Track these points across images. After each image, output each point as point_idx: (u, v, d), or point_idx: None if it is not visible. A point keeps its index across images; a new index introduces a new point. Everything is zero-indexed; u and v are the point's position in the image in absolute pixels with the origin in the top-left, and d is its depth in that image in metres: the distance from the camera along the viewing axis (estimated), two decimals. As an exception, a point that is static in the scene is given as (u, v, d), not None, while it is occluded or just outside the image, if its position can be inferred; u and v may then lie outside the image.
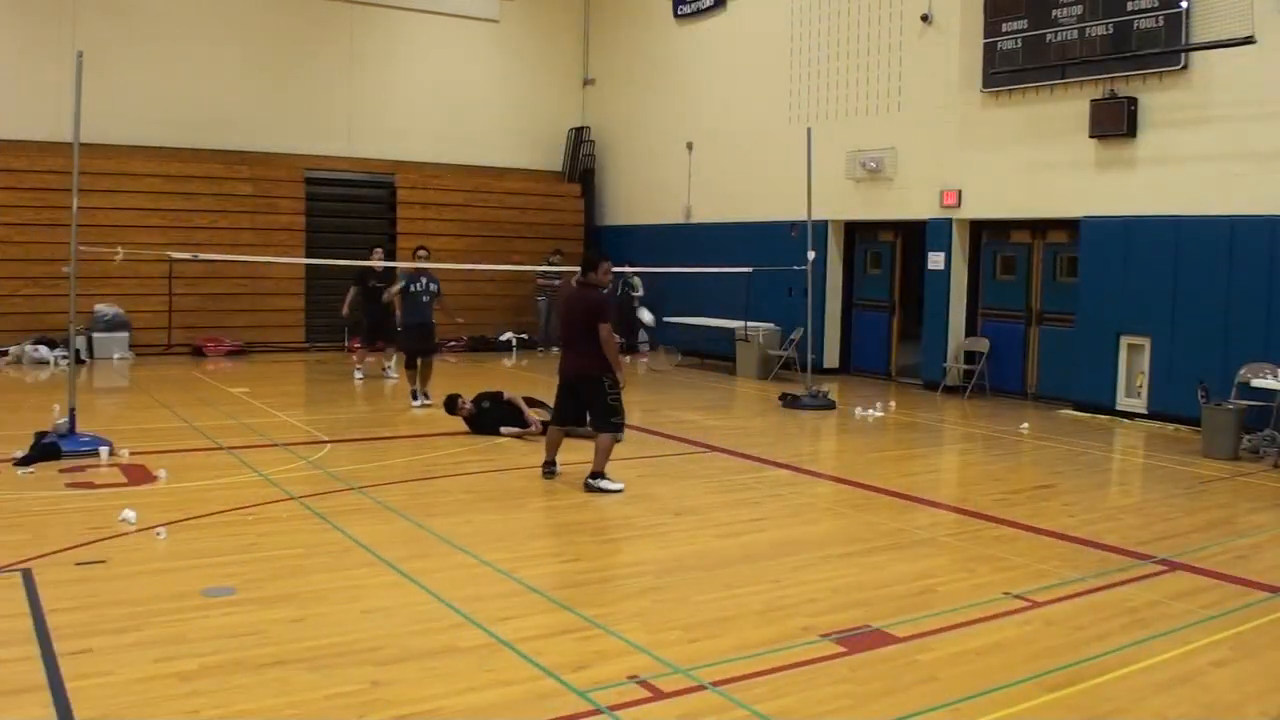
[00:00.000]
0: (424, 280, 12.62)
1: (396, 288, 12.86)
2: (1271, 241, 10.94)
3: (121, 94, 16.98)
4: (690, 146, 19.18)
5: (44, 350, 15.52)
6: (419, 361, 12.41)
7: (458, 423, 10.96)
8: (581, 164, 21.75)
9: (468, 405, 10.75)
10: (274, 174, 18.31)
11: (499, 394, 10.85)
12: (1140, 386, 12.31)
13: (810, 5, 16.58)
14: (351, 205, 19.45)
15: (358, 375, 14.47)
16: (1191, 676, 4.59)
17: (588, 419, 8.27)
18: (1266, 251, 10.97)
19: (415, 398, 12.25)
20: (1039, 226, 13.98)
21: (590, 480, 8.04)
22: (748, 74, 17.85)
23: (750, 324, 16.39)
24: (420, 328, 12.57)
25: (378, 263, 14.30)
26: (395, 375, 14.28)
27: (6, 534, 6.37)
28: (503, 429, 10.45)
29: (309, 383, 15.23)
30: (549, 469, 8.45)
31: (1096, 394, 12.65)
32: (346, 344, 17.04)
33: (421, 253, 13.57)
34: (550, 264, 18.93)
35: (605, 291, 8.21)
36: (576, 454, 8.81)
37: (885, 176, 15.40)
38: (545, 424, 10.47)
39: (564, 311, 8.36)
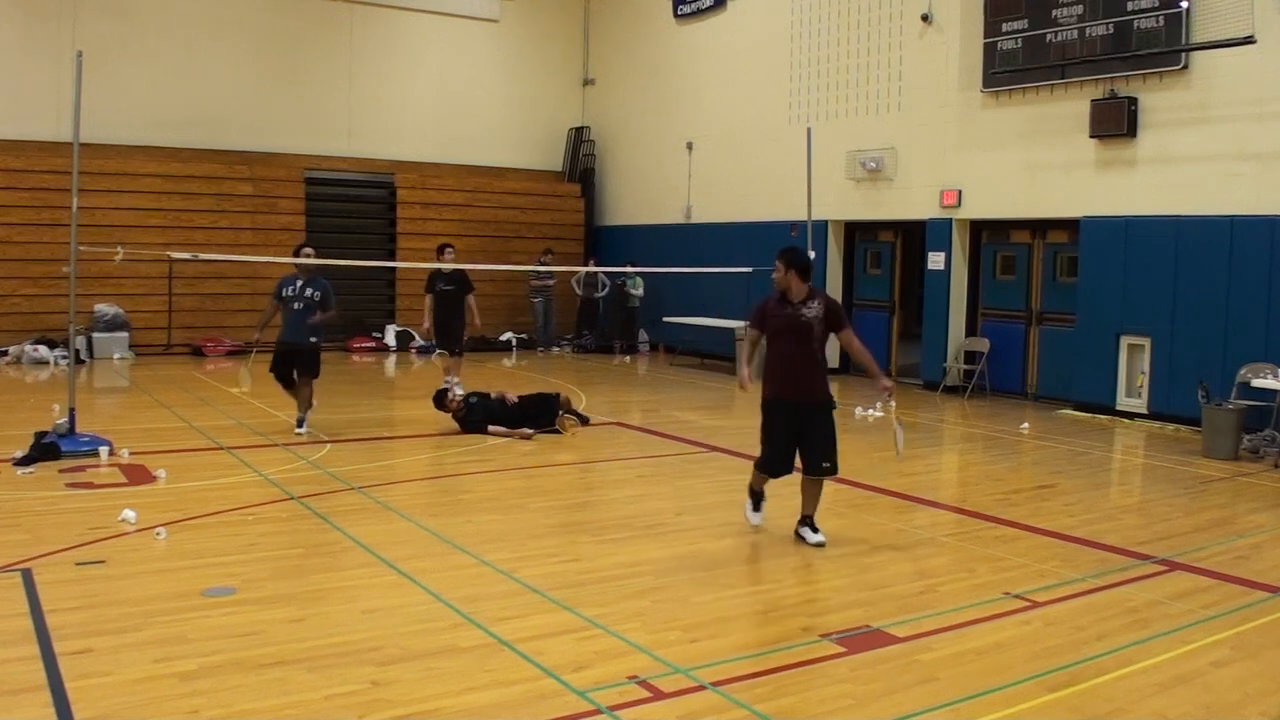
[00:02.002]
0: (297, 285, 10.12)
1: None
2: (1271, 241, 10.93)
3: (121, 94, 16.98)
4: (690, 146, 19.19)
5: (44, 350, 15.52)
6: (296, 382, 10.19)
7: (457, 423, 10.96)
8: (581, 164, 21.76)
9: (457, 401, 10.75)
10: (274, 174, 18.32)
11: (487, 393, 10.85)
12: (1140, 386, 12.31)
13: (810, 5, 16.58)
14: (351, 205, 19.46)
15: (457, 390, 12.12)
16: (1191, 676, 4.58)
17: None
18: (1266, 251, 10.96)
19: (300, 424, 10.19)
20: (1039, 226, 13.98)
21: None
22: (748, 74, 17.84)
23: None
24: (283, 343, 10.17)
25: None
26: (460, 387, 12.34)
27: (6, 534, 6.37)
28: (491, 428, 10.42)
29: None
30: (806, 527, 6.70)
31: (1096, 394, 12.65)
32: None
33: (449, 252, 12.67)
34: (542, 263, 18.93)
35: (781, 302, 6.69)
36: (571, 453, 8.78)
37: (885, 176, 15.40)
38: (540, 429, 10.52)
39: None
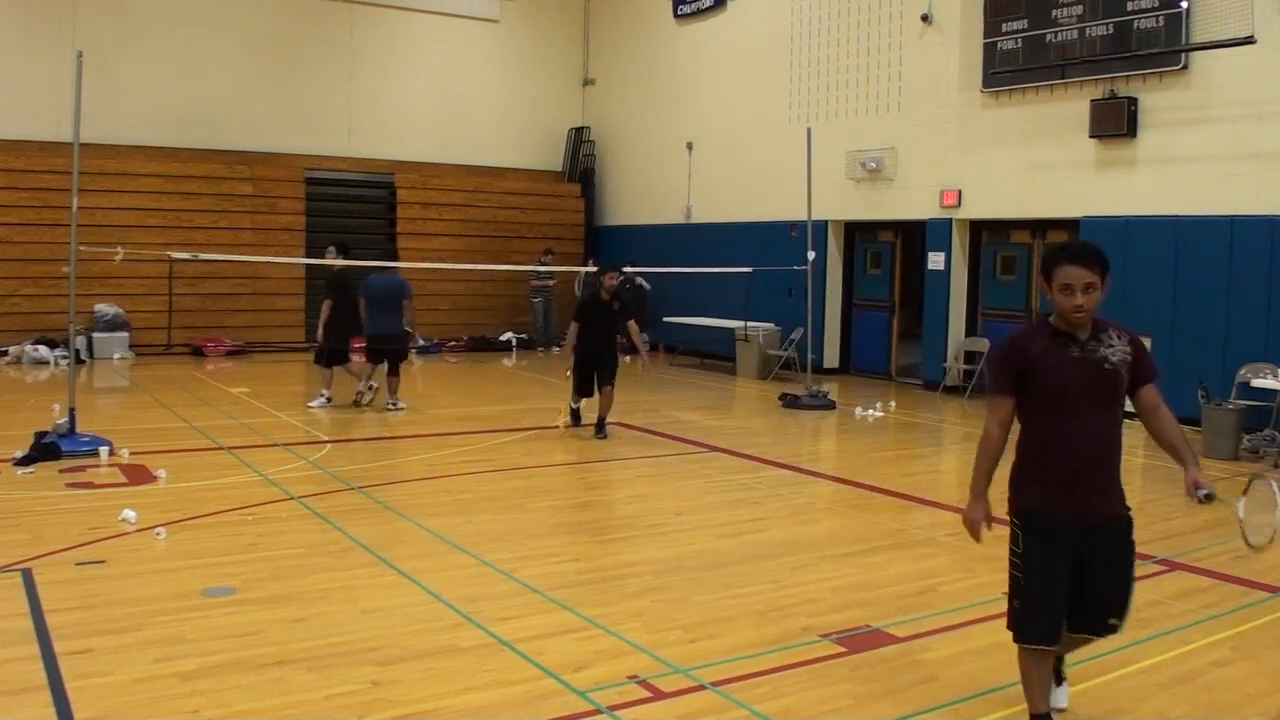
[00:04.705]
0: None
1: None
2: (1271, 241, 10.93)
3: (121, 94, 16.98)
4: (690, 146, 19.18)
5: (44, 350, 15.52)
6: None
7: (458, 423, 10.99)
8: (581, 164, 21.75)
9: (614, 279, 10.57)
10: (274, 174, 18.31)
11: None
12: (1140, 386, 12.29)
13: (810, 5, 16.58)
14: (351, 205, 19.45)
15: (364, 398, 12.03)
16: (1191, 676, 4.58)
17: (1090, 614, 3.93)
18: (1266, 251, 10.96)
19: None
20: (1039, 226, 13.98)
21: None
22: (748, 74, 17.84)
23: (750, 324, 16.40)
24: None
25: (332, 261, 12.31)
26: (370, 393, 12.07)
27: (6, 534, 6.37)
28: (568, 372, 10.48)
29: (309, 383, 15.19)
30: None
31: (1096, 394, 12.62)
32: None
33: (330, 251, 12.22)
34: (542, 263, 18.92)
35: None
36: (571, 453, 8.71)
37: (885, 176, 15.40)
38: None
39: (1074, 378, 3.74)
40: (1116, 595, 3.88)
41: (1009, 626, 3.97)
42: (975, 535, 3.87)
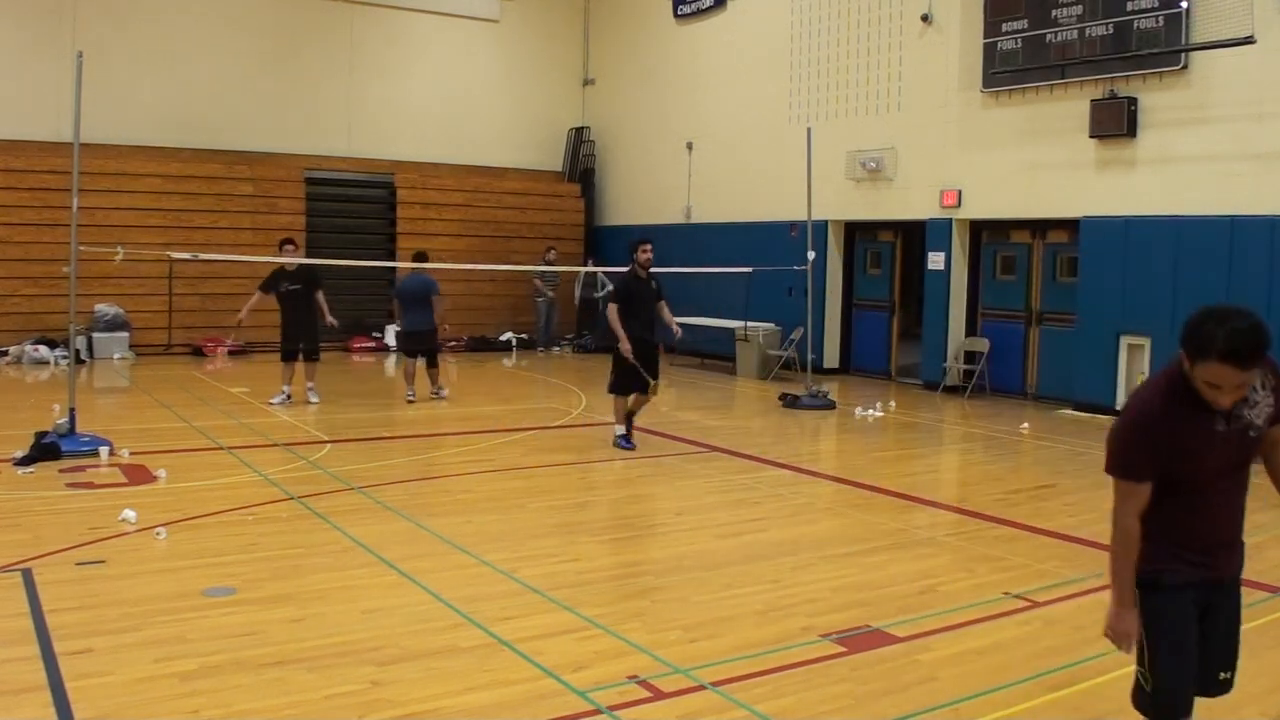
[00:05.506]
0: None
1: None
2: (1271, 241, 10.93)
3: (121, 94, 16.97)
4: (690, 146, 19.18)
5: (44, 350, 15.52)
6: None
7: (458, 423, 10.97)
8: (581, 164, 21.75)
9: (648, 251, 9.83)
10: (274, 174, 18.31)
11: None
12: (1140, 386, 12.29)
13: (810, 5, 16.58)
14: (351, 205, 19.45)
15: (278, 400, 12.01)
16: (1191, 676, 4.57)
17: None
18: (1266, 251, 10.96)
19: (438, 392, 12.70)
20: (1039, 226, 13.98)
21: None
22: (748, 74, 17.84)
23: (750, 324, 16.39)
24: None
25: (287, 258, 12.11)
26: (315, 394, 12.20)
27: (6, 534, 6.37)
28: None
29: (309, 383, 15.22)
30: None
31: (1097, 394, 12.64)
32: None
33: (288, 248, 12.13)
34: (547, 262, 18.92)
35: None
36: (571, 453, 8.67)
37: (885, 176, 15.40)
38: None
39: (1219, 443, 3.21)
40: (1230, 650, 3.59)
41: (1140, 705, 3.50)
42: (1127, 649, 3.43)
